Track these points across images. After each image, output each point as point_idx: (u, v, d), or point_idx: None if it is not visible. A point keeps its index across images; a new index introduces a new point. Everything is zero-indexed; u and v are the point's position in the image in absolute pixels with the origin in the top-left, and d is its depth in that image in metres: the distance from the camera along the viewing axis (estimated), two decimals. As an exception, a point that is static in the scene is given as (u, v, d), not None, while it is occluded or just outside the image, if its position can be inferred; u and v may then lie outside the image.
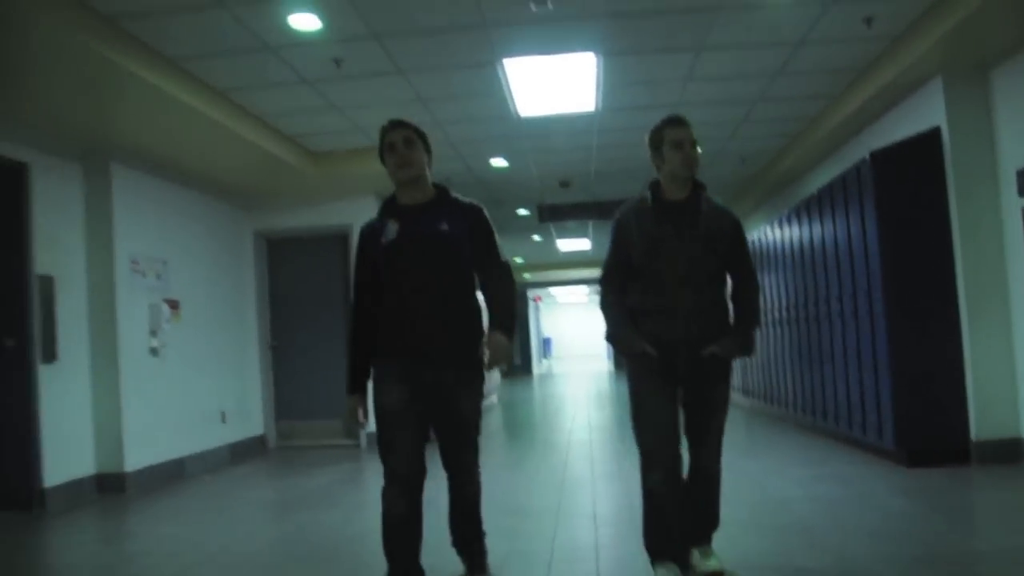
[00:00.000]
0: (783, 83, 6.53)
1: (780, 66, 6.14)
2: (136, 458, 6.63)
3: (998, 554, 3.69)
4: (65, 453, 6.11)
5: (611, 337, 3.46)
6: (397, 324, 3.19)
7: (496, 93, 6.53)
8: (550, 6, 4.82)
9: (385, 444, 3.17)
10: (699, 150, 3.42)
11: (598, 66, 5.99)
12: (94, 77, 5.02)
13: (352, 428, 3.39)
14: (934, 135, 5.90)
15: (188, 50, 5.25)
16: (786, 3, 5.01)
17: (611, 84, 6.35)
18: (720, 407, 3.43)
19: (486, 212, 3.38)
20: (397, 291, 3.20)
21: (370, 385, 3.31)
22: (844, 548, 3.86)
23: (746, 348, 3.40)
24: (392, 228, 3.25)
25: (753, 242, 9.55)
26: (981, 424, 5.66)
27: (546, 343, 32.96)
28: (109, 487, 6.43)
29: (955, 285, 5.77)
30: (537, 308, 29.19)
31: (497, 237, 3.38)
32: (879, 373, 5.95)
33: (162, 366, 7.14)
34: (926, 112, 6.04)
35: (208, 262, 8.15)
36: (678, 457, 3.36)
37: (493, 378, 14.91)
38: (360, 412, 3.27)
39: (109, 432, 6.50)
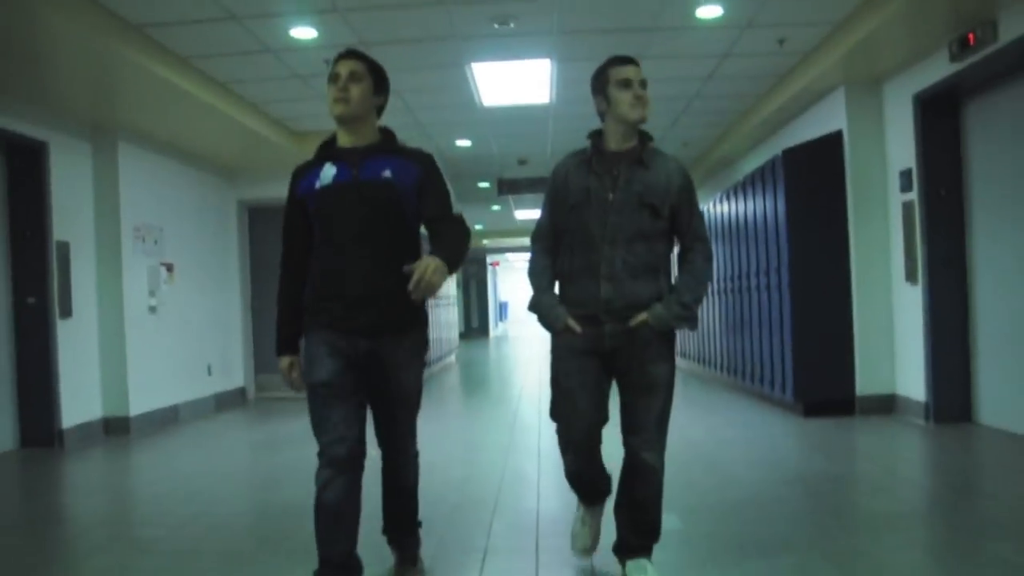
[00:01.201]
0: (713, 85, 7.52)
1: (709, 72, 7.12)
2: (138, 404, 7.50)
3: (847, 476, 4.80)
4: (78, 399, 6.95)
5: (532, 308, 3.09)
6: (328, 283, 2.79)
7: (463, 88, 7.42)
8: (512, 25, 5.72)
9: (317, 422, 2.79)
10: (648, 93, 2.98)
11: (552, 69, 6.93)
12: (110, 70, 5.81)
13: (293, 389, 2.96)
14: (836, 137, 6.95)
15: (199, 51, 6.06)
16: (711, 26, 5.96)
17: (564, 82, 7.29)
18: (656, 388, 2.94)
19: (436, 161, 2.96)
20: (329, 244, 2.81)
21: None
22: (732, 471, 4.94)
23: (682, 318, 2.94)
24: (328, 172, 2.82)
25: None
26: (864, 381, 6.79)
27: (503, 307, 33.98)
28: (115, 429, 7.29)
29: (848, 264, 6.85)
30: (495, 273, 30.14)
31: (449, 188, 2.99)
32: (784, 338, 7.04)
33: (159, 323, 7.99)
34: (831, 117, 7.08)
35: (197, 229, 8.95)
36: (597, 444, 3.05)
37: (452, 340, 15.84)
38: (294, 375, 2.89)
39: (115, 381, 7.35)
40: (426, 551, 3.30)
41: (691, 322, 2.96)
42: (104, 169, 7.35)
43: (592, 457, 3.06)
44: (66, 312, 6.85)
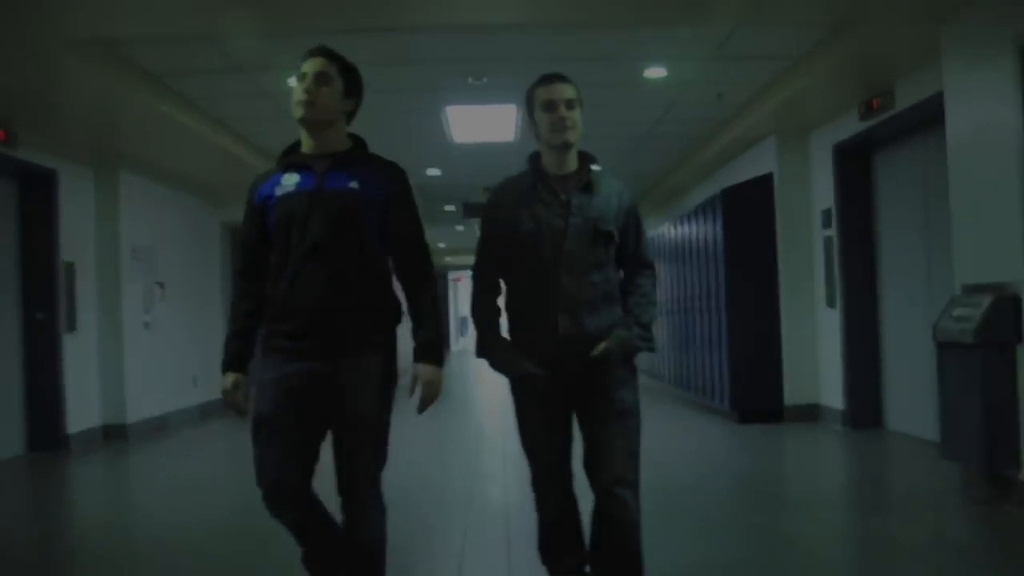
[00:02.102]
0: (660, 129, 8.43)
1: (657, 119, 8.02)
2: (134, 412, 8.12)
3: (765, 472, 5.69)
4: (81, 407, 7.56)
5: (484, 355, 2.88)
6: (281, 302, 2.56)
7: (436, 127, 8.23)
8: (485, 81, 6.55)
9: (256, 461, 2.53)
10: (579, 112, 2.81)
11: (518, 113, 7.77)
12: (120, 109, 6.51)
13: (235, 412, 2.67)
14: (768, 178, 7.89)
15: (204, 93, 6.78)
16: (656, 84, 6.83)
17: (527, 124, 8.13)
18: (625, 415, 2.76)
19: (407, 177, 2.72)
20: (284, 258, 2.58)
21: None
22: (670, 466, 5.77)
23: (645, 339, 2.83)
24: (290, 179, 2.61)
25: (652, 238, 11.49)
26: (791, 392, 7.70)
27: (463, 322, 34.66)
28: (114, 435, 7.90)
29: (777, 290, 7.77)
30: (456, 288, 30.88)
31: (417, 209, 2.75)
32: (721, 354, 7.94)
33: (152, 337, 8.62)
34: (764, 160, 8.03)
35: (184, 249, 9.60)
36: (569, 487, 2.90)
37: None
38: (238, 396, 2.60)
39: (114, 390, 7.97)
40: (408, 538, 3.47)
41: (651, 343, 2.86)
42: (106, 195, 7.99)
43: (569, 494, 2.89)
44: (72, 327, 7.47)
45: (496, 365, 2.86)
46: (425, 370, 2.61)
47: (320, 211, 2.55)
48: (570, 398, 2.81)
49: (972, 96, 4.66)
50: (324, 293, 2.53)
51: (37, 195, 7.28)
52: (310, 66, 2.61)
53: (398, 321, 2.71)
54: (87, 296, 7.77)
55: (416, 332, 2.66)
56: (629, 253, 2.90)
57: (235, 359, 2.62)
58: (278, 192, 2.62)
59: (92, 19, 4.79)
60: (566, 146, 2.80)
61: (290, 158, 2.69)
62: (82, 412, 7.58)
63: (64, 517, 5.13)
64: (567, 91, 2.79)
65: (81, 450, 7.34)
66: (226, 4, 4.76)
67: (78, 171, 7.69)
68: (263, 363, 2.60)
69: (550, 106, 2.77)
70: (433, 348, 2.64)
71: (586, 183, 2.82)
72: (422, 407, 2.64)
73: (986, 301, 4.36)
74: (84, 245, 7.78)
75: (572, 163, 2.85)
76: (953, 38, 4.76)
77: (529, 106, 2.86)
